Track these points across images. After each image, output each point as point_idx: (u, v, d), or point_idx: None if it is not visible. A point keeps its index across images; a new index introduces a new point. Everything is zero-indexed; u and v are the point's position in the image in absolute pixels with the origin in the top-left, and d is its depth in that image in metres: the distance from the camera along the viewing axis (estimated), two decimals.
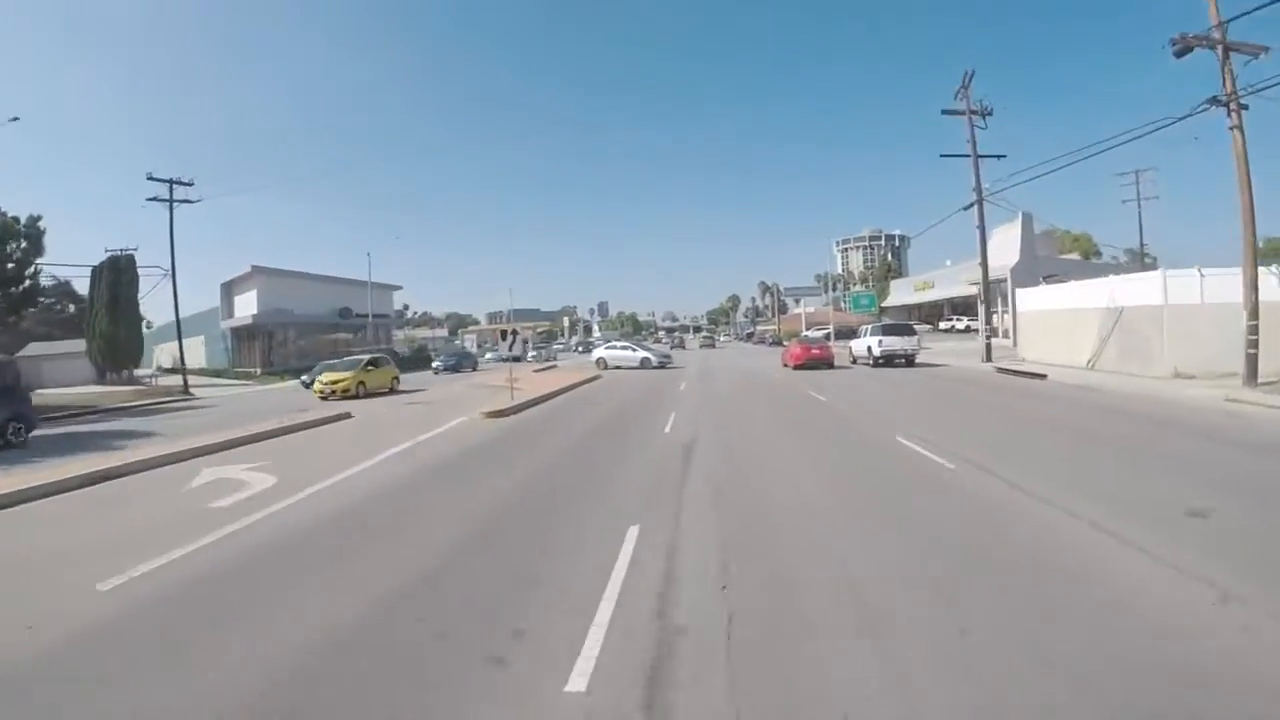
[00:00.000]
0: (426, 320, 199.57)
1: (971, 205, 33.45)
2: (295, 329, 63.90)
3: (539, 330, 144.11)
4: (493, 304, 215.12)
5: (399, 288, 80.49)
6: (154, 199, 44.99)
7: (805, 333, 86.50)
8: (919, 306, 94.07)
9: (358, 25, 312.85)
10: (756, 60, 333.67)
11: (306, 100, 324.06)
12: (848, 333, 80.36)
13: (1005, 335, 49.44)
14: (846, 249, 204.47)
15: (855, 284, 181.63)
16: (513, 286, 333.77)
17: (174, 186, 44.42)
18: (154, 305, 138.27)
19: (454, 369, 55.04)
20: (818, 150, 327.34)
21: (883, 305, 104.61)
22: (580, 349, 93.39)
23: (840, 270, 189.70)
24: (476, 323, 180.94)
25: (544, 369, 47.75)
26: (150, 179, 45.00)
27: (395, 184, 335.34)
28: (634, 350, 46.18)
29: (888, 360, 35.43)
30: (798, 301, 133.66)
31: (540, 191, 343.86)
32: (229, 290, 65.75)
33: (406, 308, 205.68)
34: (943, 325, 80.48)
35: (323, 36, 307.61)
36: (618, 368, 42.64)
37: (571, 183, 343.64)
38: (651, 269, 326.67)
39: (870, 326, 40.68)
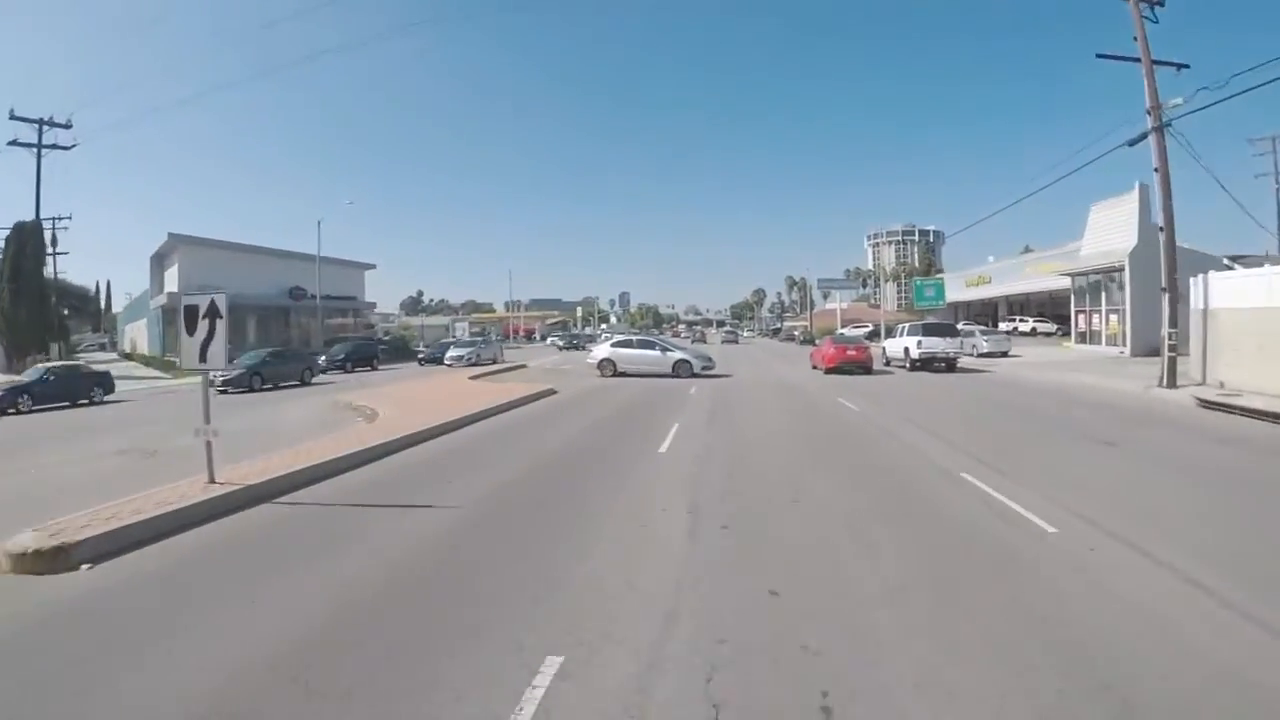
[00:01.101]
0: (442, 308, 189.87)
1: (1143, 138, 20.35)
2: (233, 310, 51.83)
3: (550, 322, 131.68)
4: (511, 293, 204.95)
5: (370, 266, 68.70)
6: (16, 143, 34.12)
7: (841, 330, 74.19)
8: (968, 305, 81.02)
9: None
10: (787, 50, 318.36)
11: (323, 95, 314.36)
12: (889, 333, 70.20)
13: (1119, 344, 36.44)
14: (878, 243, 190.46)
15: (887, 279, 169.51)
16: (537, 278, 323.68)
17: (44, 128, 33.67)
18: (125, 280, 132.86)
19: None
20: (848, 141, 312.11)
21: None
22: (558, 345, 73.76)
23: (871, 265, 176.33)
24: (492, 310, 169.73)
25: (486, 374, 32.98)
26: (14, 118, 34.04)
27: (419, 172, 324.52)
28: (660, 350, 30.65)
29: (925, 364, 30.91)
30: (825, 297, 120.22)
31: (566, 183, 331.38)
32: (159, 264, 54.21)
33: (421, 293, 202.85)
34: (1003, 326, 67.23)
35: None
36: (623, 373, 29.43)
37: (596, 177, 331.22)
38: (676, 262, 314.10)
39: (908, 325, 35.14)
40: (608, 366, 30.18)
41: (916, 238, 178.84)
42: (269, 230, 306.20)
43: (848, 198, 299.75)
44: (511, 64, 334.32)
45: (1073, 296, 42.45)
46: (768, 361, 41.18)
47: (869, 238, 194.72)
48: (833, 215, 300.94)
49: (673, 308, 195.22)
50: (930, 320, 41.45)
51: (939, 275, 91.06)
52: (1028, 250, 79.13)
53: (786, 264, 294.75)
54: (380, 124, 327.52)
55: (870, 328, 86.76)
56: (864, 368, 30.16)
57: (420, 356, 51.81)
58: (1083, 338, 40.87)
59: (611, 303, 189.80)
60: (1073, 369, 28.27)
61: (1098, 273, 38.97)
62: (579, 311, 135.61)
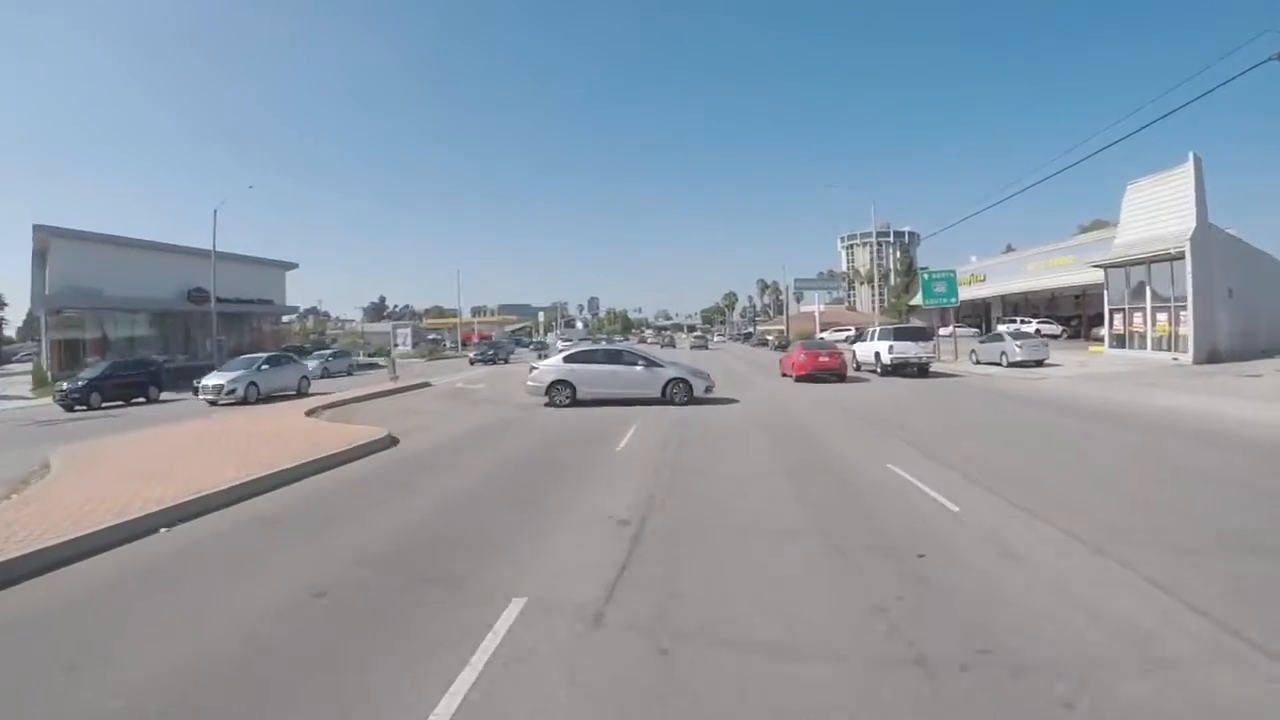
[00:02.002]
0: (404, 314, 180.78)
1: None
2: (115, 315, 43.49)
3: (512, 328, 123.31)
4: (478, 298, 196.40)
5: (292, 265, 59.26)
6: None
7: (820, 335, 67.09)
8: (958, 306, 74.25)
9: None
10: (758, 54, 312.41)
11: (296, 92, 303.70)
12: (858, 337, 63.52)
13: (1171, 348, 29.35)
14: (852, 245, 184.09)
15: (863, 282, 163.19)
16: (506, 283, 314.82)
17: None
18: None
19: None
20: (821, 144, 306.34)
21: (910, 304, 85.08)
22: (470, 359, 55.91)
23: (845, 268, 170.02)
24: (457, 315, 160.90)
25: (329, 405, 21.94)
26: None
27: (385, 177, 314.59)
28: (643, 364, 21.03)
29: (897, 369, 28.87)
30: (799, 299, 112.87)
31: (535, 188, 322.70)
32: (40, 262, 45.34)
33: (383, 299, 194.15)
34: (1001, 329, 60.34)
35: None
36: (586, 400, 20.13)
37: (566, 183, 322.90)
38: (647, 268, 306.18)
39: (878, 329, 33.00)
40: (561, 391, 20.13)
41: (892, 239, 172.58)
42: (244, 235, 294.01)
43: (821, 201, 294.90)
44: (481, 64, 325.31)
45: (1106, 292, 35.15)
46: (745, 373, 33.04)
47: (842, 240, 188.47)
48: (806, 219, 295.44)
49: (640, 311, 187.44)
50: (899, 325, 37.60)
51: (949, 271, 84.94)
52: (1010, 250, 72.71)
53: (759, 268, 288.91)
54: (349, 126, 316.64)
55: (852, 331, 79.77)
56: (838, 375, 26.85)
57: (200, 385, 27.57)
58: (1120, 341, 33.64)
59: (580, 307, 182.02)
60: (1148, 384, 20.99)
61: (1140, 262, 31.82)
62: (540, 317, 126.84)
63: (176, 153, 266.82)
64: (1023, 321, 58.66)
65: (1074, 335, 53.81)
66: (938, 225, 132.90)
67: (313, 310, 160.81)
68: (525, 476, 10.50)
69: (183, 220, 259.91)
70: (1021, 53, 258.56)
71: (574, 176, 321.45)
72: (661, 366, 21.02)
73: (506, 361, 53.43)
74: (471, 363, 53.01)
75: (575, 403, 19.90)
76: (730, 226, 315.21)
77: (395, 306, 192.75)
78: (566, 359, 21.57)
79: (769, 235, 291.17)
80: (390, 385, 29.63)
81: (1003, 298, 63.23)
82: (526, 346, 75.44)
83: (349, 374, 44.93)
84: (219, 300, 46.30)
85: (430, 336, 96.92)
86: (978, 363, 31.16)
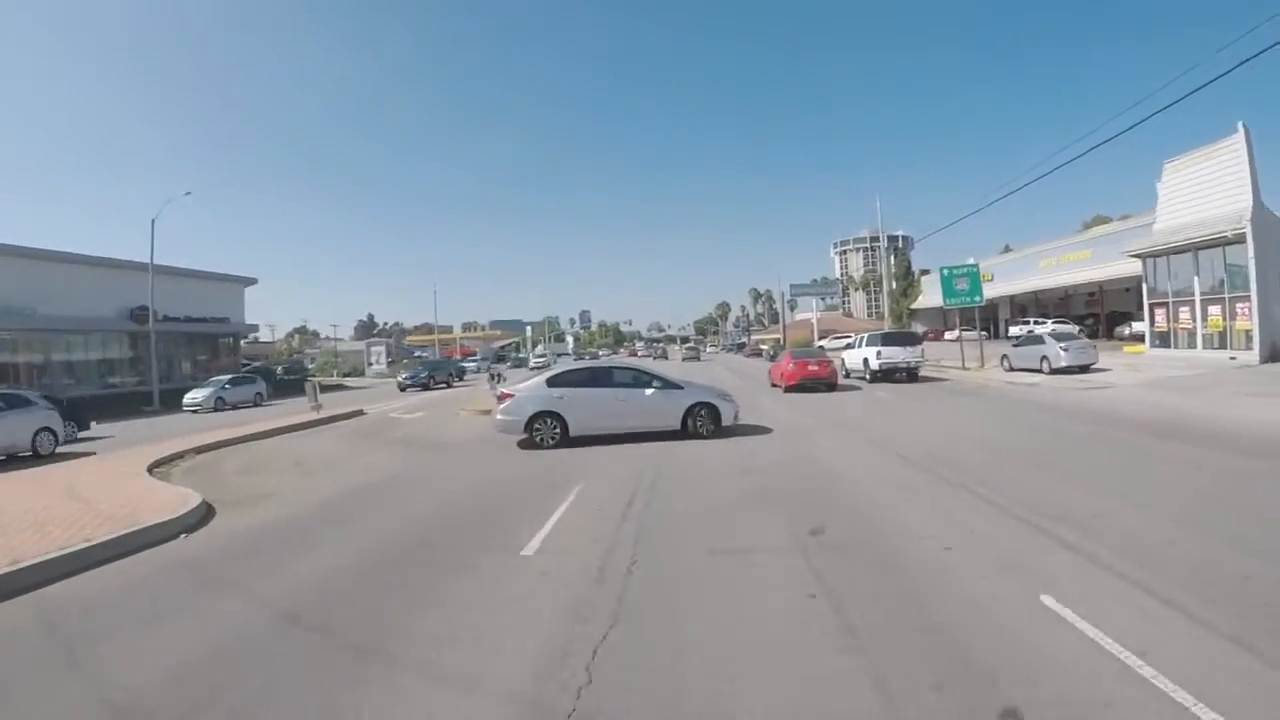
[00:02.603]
0: (394, 331, 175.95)
1: None
2: (45, 335, 38.95)
3: (500, 345, 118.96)
4: (470, 314, 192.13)
5: (251, 281, 54.56)
6: None
7: (820, 343, 62.88)
8: (982, 305, 70.36)
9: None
10: (748, 66, 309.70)
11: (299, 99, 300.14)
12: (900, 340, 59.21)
13: (1227, 345, 25.52)
14: (845, 251, 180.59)
15: (857, 288, 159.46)
16: (499, 300, 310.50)
17: None
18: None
19: None
20: (812, 151, 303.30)
21: (911, 308, 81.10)
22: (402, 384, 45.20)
23: (839, 274, 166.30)
24: (450, 330, 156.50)
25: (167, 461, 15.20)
26: None
27: (381, 192, 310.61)
28: (657, 386, 15.51)
29: (886, 375, 27.58)
30: (793, 308, 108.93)
31: (526, 203, 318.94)
32: None
33: (371, 316, 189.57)
34: (1014, 331, 56.50)
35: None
36: (582, 437, 14.76)
37: (558, 197, 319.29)
38: (640, 281, 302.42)
39: (866, 335, 32.32)
40: (547, 427, 14.68)
41: (885, 243, 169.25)
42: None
43: (813, 208, 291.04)
44: (468, 76, 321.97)
45: (1145, 285, 31.13)
46: (736, 387, 26.44)
47: (835, 245, 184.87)
48: (797, 227, 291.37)
49: (630, 323, 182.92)
50: (888, 330, 36.34)
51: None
52: (1008, 250, 69.00)
53: (751, 278, 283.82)
54: (332, 140, 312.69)
55: (853, 338, 75.35)
56: (828, 384, 25.47)
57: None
58: (1163, 339, 29.62)
59: (572, 321, 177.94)
60: (1238, 391, 16.90)
61: (1186, 250, 27.86)
62: (528, 331, 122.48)
63: (149, 167, 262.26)
64: (1035, 322, 54.69)
65: (1092, 335, 49.96)
66: (930, 230, 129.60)
67: (300, 330, 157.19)
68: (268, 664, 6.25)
69: (161, 238, 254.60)
70: (1011, 55, 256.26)
71: (565, 191, 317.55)
72: (680, 388, 15.54)
73: (448, 385, 44.97)
74: (401, 389, 42.47)
75: (566, 441, 14.42)
76: (722, 237, 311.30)
77: (385, 324, 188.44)
78: (553, 382, 15.38)
79: (761, 245, 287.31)
80: (308, 417, 23.44)
81: (1011, 298, 59.40)
82: (505, 362, 71.01)
83: (256, 404, 37.13)
84: (167, 319, 42.24)
85: (417, 354, 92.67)
86: (1010, 369, 27.08)
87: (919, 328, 70.88)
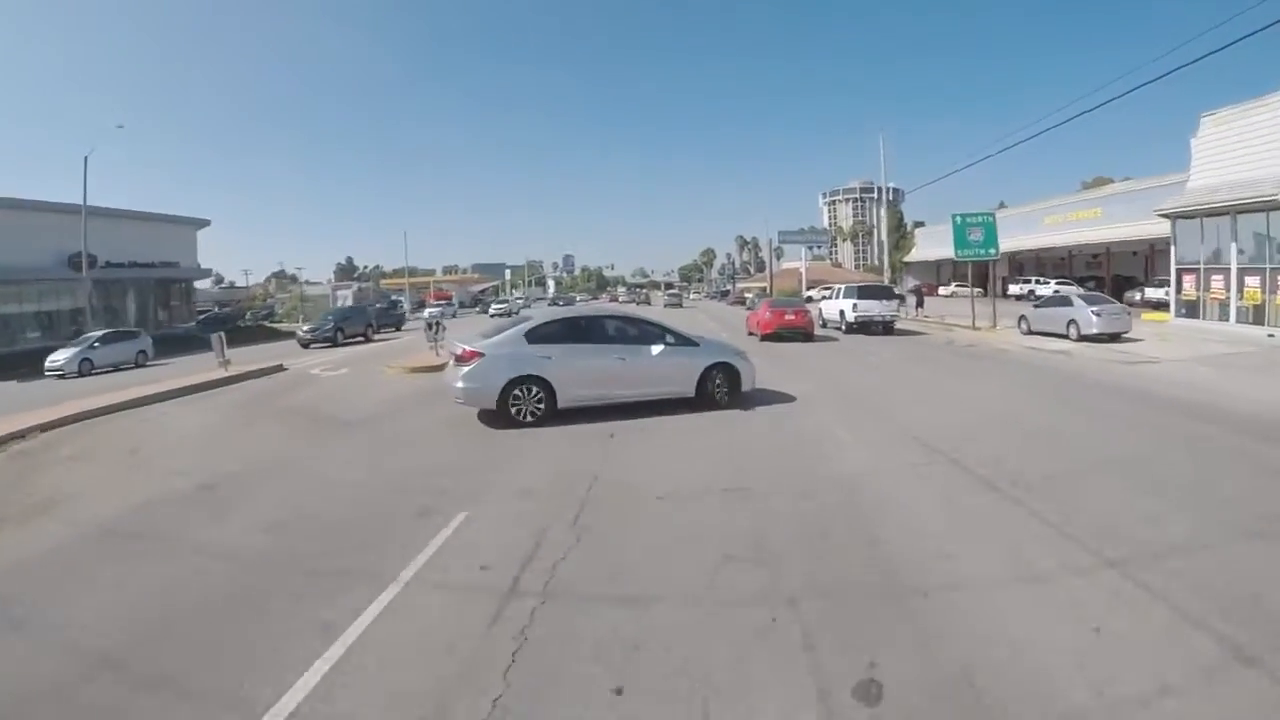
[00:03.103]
0: (373, 274, 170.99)
1: None
2: None
3: (480, 289, 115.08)
4: (453, 258, 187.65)
5: (203, 223, 50.09)
6: None
7: (809, 293, 59.94)
8: (955, 264, 67.51)
9: None
10: (738, 13, 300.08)
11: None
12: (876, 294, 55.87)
13: (1266, 321, 22.89)
14: (834, 201, 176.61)
15: (845, 238, 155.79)
16: (482, 243, 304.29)
17: None
18: None
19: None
20: (803, 98, 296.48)
21: (905, 260, 78.02)
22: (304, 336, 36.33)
23: (827, 224, 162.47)
24: (431, 273, 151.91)
25: None
26: None
27: (367, 135, 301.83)
28: (666, 343, 12.26)
29: (862, 327, 28.09)
30: (779, 256, 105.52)
31: (513, 150, 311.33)
32: None
33: (350, 259, 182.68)
34: (1013, 290, 53.93)
35: None
36: (571, 409, 11.50)
37: (545, 137, 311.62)
38: (625, 228, 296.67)
39: (843, 288, 32.49)
40: (527, 396, 11.33)
41: (876, 195, 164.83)
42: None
43: (801, 158, 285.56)
44: (458, 28, 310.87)
45: (1174, 247, 28.22)
46: (715, 333, 21.88)
47: (824, 195, 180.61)
48: (786, 175, 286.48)
49: (613, 268, 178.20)
50: (863, 283, 35.34)
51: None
52: (1003, 207, 65.85)
53: (738, 226, 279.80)
54: (321, 86, 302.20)
55: (842, 289, 71.97)
56: (804, 334, 25.56)
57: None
58: (1189, 309, 26.88)
59: (554, 265, 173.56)
60: None
61: (1223, 212, 24.99)
62: (507, 274, 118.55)
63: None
64: (1038, 281, 52.06)
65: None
66: (921, 183, 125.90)
67: (279, 273, 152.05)
68: None
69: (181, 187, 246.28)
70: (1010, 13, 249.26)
71: (554, 139, 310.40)
72: (695, 344, 12.57)
73: (364, 338, 36.52)
74: (304, 344, 34.18)
75: (552, 415, 11.31)
76: (709, 184, 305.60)
77: (365, 267, 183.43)
78: (535, 336, 11.72)
79: (749, 193, 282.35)
80: (210, 376, 19.67)
81: (1012, 255, 56.38)
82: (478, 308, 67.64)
83: (138, 364, 29.76)
84: (109, 265, 38.70)
85: (393, 297, 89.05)
86: (1028, 332, 24.32)
87: (911, 281, 68.23)
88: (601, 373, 11.62)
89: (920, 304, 37.15)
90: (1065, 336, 22.24)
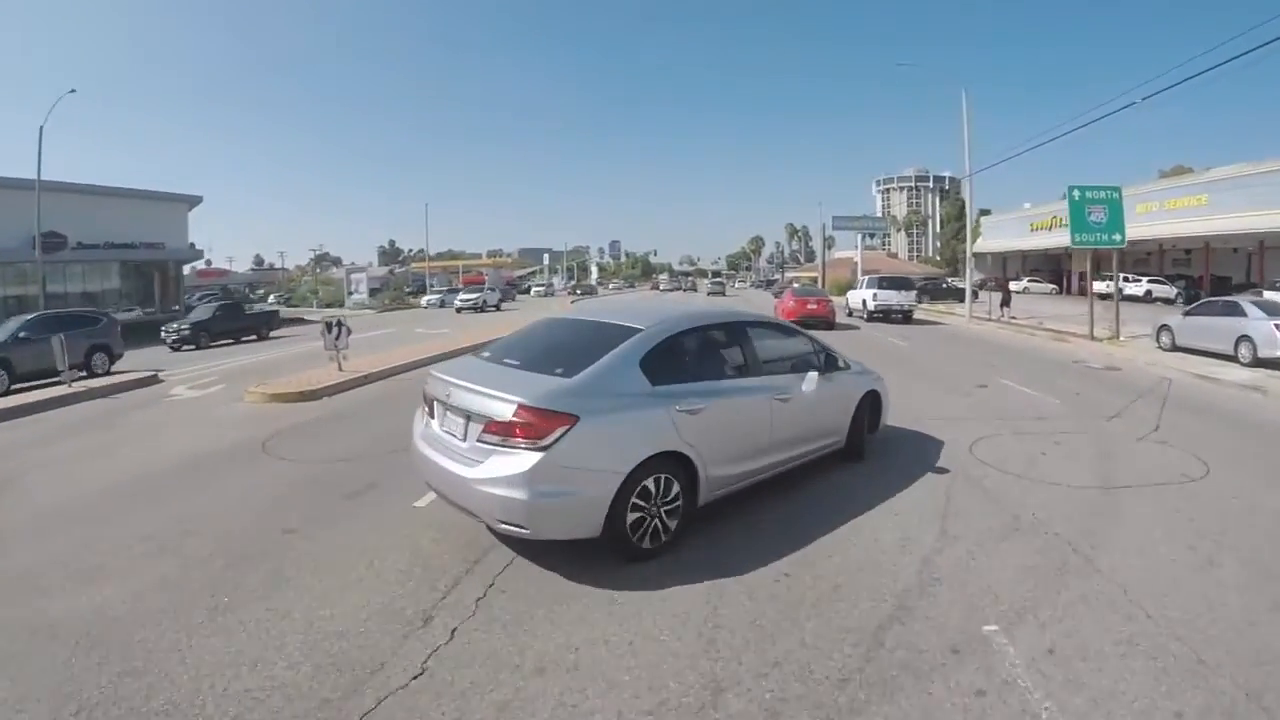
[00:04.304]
0: (418, 258, 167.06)
1: None
2: None
3: (520, 274, 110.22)
4: (498, 243, 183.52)
5: (195, 200, 44.85)
6: None
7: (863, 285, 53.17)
8: (1023, 255, 60.22)
9: None
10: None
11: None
12: (933, 289, 52.78)
13: None
14: (888, 189, 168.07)
15: (899, 228, 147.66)
16: (530, 229, 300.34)
17: None
18: None
19: None
20: (856, 85, 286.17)
21: (975, 252, 70.71)
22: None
23: (880, 214, 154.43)
24: (476, 257, 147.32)
25: None
26: None
27: (412, 121, 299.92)
28: (822, 370, 6.96)
29: (884, 316, 30.14)
30: (829, 247, 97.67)
31: (565, 133, 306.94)
32: None
33: (393, 243, 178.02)
34: (1098, 287, 46.75)
35: None
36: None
37: (594, 125, 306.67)
38: (674, 216, 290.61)
39: (867, 279, 34.70)
40: (656, 500, 5.18)
41: (931, 184, 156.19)
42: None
43: (855, 148, 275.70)
44: (507, 18, 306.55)
45: None
46: None
47: (878, 184, 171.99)
48: (839, 163, 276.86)
49: (656, 254, 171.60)
50: (885, 274, 38.30)
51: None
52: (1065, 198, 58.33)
53: (789, 215, 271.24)
54: (358, 68, 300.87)
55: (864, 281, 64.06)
56: (825, 322, 26.04)
57: None
58: None
59: (600, 251, 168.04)
60: None
61: None
62: (545, 259, 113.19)
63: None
64: (1126, 279, 44.91)
65: (1190, 300, 40.08)
66: (986, 165, 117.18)
67: (321, 256, 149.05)
68: None
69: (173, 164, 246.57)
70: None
71: (603, 122, 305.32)
72: (847, 368, 7.89)
73: (259, 335, 29.73)
74: (173, 347, 25.99)
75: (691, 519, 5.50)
76: (760, 172, 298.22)
77: (409, 250, 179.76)
78: (653, 363, 5.48)
79: (800, 181, 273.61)
80: (55, 392, 13.79)
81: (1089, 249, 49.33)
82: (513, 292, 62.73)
83: (88, 366, 18.93)
84: (81, 246, 34.25)
85: (430, 281, 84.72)
86: (1172, 348, 18.15)
87: (978, 275, 61.10)
88: (754, 428, 6.20)
89: (1006, 302, 30.68)
90: (1231, 359, 16.05)
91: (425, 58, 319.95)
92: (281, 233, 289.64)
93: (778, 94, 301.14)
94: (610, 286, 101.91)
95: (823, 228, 75.53)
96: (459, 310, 45.78)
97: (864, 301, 30.92)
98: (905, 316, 30.03)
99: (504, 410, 4.82)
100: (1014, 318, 28.93)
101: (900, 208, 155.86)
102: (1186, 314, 18.32)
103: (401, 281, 77.48)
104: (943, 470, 7.32)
